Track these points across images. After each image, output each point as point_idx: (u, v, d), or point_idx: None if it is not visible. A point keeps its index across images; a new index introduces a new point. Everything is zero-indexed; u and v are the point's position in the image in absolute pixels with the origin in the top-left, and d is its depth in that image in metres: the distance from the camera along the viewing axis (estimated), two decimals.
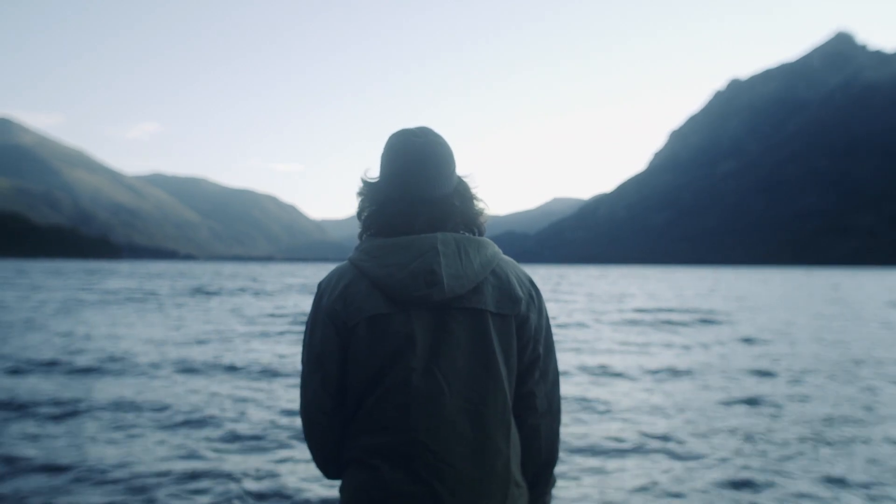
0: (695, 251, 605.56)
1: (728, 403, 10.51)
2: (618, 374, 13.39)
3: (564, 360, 14.68)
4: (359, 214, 2.12)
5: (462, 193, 2.09)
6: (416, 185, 2.00)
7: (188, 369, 13.35)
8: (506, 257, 2.10)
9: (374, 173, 2.11)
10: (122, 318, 25.02)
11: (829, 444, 8.12)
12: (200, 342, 18.18)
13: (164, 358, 14.75)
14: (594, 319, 26.42)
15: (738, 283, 77.65)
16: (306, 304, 34.30)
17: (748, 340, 19.33)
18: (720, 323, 25.28)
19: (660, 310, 31.89)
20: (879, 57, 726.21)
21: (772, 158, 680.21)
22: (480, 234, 2.12)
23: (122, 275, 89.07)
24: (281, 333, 20.54)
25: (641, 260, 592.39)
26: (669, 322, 25.45)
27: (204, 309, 30.40)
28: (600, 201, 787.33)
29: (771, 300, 41.77)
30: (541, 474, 2.13)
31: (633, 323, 25.38)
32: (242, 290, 49.97)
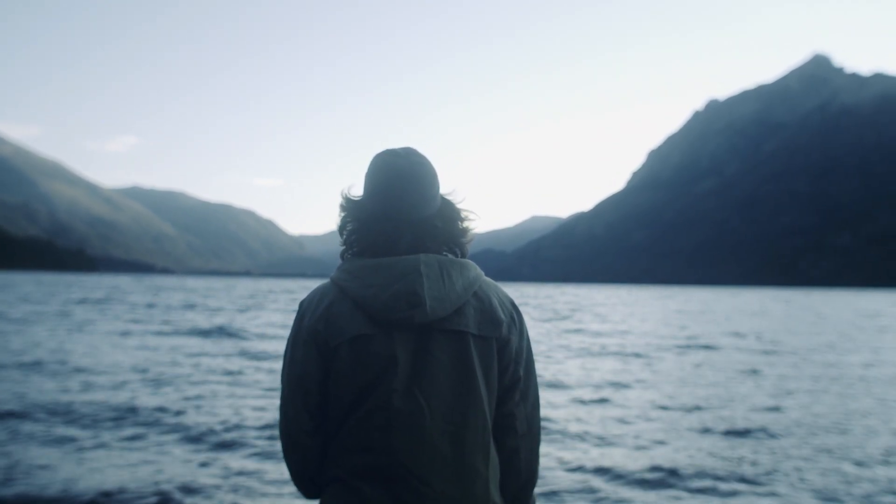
0: (673, 270, 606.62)
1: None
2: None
3: None
4: (340, 230, 2.12)
5: (445, 214, 2.11)
6: (399, 206, 2.01)
7: None
8: (487, 279, 2.11)
9: (357, 190, 2.12)
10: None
11: None
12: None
13: None
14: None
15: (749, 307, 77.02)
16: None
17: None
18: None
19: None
20: (856, 79, 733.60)
21: (750, 179, 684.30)
22: (463, 255, 2.14)
23: (80, 287, 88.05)
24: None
25: (619, 279, 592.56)
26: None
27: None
28: (578, 220, 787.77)
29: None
30: (519, 496, 2.14)
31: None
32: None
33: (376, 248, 2.03)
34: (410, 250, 2.02)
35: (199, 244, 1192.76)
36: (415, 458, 1.90)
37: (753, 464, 8.61)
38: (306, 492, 2.14)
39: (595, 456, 9.00)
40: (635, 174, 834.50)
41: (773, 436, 10.24)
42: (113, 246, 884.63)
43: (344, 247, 2.12)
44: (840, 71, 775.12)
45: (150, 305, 46.92)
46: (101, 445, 9.09)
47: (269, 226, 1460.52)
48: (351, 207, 2.10)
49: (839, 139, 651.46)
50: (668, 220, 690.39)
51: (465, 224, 2.14)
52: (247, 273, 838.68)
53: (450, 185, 2.15)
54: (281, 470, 7.89)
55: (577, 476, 8.07)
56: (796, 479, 7.99)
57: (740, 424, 11.05)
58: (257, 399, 12.61)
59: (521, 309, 1.93)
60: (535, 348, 2.17)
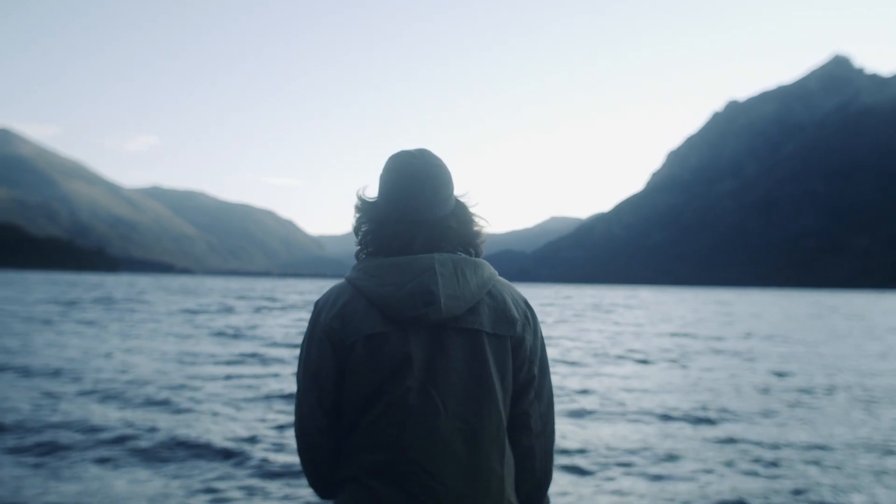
0: (691, 271, 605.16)
1: None
2: None
3: None
4: (355, 230, 2.14)
5: (459, 215, 2.13)
6: (413, 207, 2.04)
7: None
8: (501, 279, 2.13)
9: (371, 191, 2.14)
10: None
11: None
12: None
13: None
14: None
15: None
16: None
17: None
18: None
19: None
20: (876, 80, 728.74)
21: (769, 180, 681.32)
22: (477, 255, 2.15)
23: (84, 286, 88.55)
24: None
25: (638, 280, 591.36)
26: None
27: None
28: (598, 221, 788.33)
29: None
30: (534, 495, 2.15)
31: None
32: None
33: (391, 248, 2.06)
34: (425, 250, 2.04)
35: (218, 244, 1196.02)
36: (428, 455, 1.91)
37: (779, 478, 7.95)
38: (321, 491, 2.14)
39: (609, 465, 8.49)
40: (655, 175, 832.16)
41: (809, 448, 9.43)
42: (133, 246, 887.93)
43: (359, 247, 2.14)
44: (860, 72, 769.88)
45: (167, 305, 47.41)
46: (96, 461, 8.34)
47: (289, 226, 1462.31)
48: (366, 208, 2.12)
49: (859, 140, 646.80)
50: (688, 221, 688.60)
51: (480, 224, 2.16)
52: (266, 273, 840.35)
53: (466, 185, 2.18)
54: (286, 488, 7.53)
55: (586, 486, 7.57)
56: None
57: (768, 433, 10.35)
58: (268, 406, 11.96)
59: (541, 310, 2.70)
60: (550, 351, 2.19)
